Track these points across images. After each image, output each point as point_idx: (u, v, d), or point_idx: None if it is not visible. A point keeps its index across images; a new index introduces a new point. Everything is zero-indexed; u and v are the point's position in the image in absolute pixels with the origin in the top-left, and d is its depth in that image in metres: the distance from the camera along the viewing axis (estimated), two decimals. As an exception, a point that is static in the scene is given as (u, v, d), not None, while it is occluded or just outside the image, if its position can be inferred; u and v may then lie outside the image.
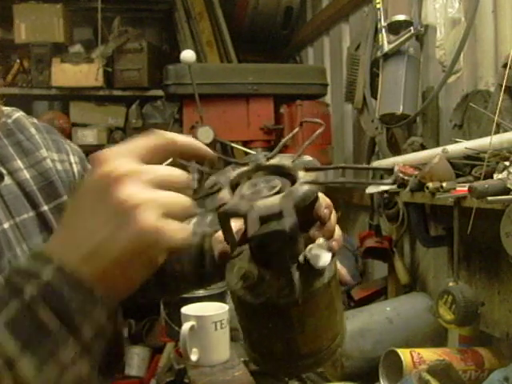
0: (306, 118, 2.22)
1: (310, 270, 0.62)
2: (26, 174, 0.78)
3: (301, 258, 0.61)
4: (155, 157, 0.51)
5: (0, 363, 0.44)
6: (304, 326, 0.67)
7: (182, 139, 0.54)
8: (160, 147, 0.52)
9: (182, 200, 0.50)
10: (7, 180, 0.75)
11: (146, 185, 0.48)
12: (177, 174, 0.51)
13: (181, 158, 0.55)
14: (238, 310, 0.69)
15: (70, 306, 0.46)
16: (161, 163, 0.52)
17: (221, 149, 2.87)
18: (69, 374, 0.46)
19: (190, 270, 0.89)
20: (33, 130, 0.84)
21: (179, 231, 0.48)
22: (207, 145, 0.62)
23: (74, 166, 0.85)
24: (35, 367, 0.45)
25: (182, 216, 0.49)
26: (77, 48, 3.34)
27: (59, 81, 3.21)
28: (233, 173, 0.67)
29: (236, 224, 0.65)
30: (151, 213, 0.46)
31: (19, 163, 0.78)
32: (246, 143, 2.22)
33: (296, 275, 0.62)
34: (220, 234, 0.80)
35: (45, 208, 0.77)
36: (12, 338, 0.45)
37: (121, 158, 0.49)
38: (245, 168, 0.68)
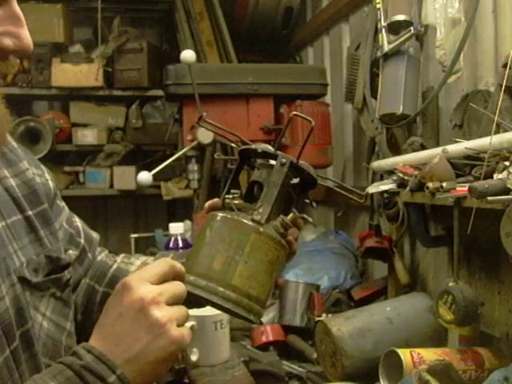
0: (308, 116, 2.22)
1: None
2: (11, 182, 0.85)
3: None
4: (165, 278, 0.74)
5: None
6: (249, 259, 0.78)
7: (179, 265, 0.76)
8: (167, 272, 0.74)
9: (187, 312, 0.74)
10: None
11: (167, 303, 0.71)
12: (180, 288, 0.74)
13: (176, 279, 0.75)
14: (207, 226, 0.81)
15: None
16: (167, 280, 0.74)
17: (221, 149, 2.88)
18: None
19: None
20: (15, 144, 0.90)
21: (189, 335, 0.73)
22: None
23: (50, 182, 0.94)
24: None
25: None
26: (77, 48, 3.35)
27: (59, 81, 3.21)
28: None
29: None
30: (175, 327, 0.70)
31: (5, 172, 0.85)
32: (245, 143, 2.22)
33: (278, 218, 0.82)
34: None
35: (30, 213, 0.85)
36: None
37: (144, 285, 0.71)
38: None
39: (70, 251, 0.95)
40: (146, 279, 0.72)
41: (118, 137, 3.41)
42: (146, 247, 3.41)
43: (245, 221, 0.79)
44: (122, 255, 1.11)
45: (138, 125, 3.36)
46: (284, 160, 0.87)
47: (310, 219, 0.94)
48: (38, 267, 0.82)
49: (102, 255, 1.08)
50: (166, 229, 2.01)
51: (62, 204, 0.99)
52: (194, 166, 2.17)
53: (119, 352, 0.69)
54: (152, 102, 3.43)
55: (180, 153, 2.10)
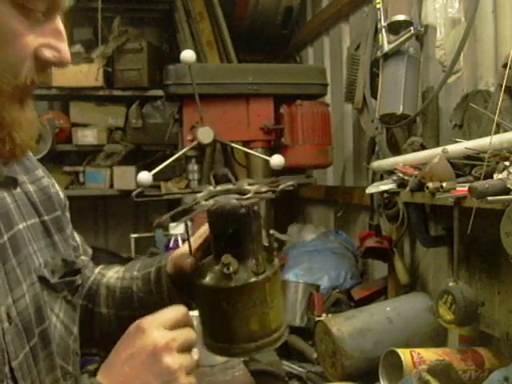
0: (305, 117, 2.22)
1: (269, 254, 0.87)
2: (29, 187, 0.89)
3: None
4: (178, 325, 0.78)
5: None
6: (273, 302, 0.85)
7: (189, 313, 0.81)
8: (181, 319, 0.79)
9: (195, 361, 0.79)
10: (18, 188, 0.85)
11: (178, 350, 0.75)
12: (191, 336, 0.78)
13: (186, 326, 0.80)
14: (215, 302, 0.84)
15: None
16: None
17: (221, 149, 2.88)
18: None
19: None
20: (30, 153, 0.93)
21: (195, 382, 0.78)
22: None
23: (60, 193, 0.98)
24: None
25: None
26: (77, 48, 3.34)
27: (59, 81, 3.21)
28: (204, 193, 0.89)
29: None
30: (184, 376, 0.75)
31: (24, 177, 0.89)
32: (246, 143, 2.22)
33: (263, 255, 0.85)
34: (178, 253, 1.00)
35: (46, 218, 0.89)
36: None
37: (158, 330, 0.75)
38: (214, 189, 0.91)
39: (83, 257, 1.00)
40: (161, 324, 0.76)
41: (118, 137, 3.41)
42: (146, 247, 3.41)
43: (254, 279, 0.83)
44: (100, 266, 1.13)
45: (138, 125, 3.36)
46: (248, 208, 0.85)
47: (284, 237, 1.00)
48: (55, 269, 0.86)
49: (86, 272, 1.09)
50: (166, 229, 2.01)
51: (69, 216, 1.02)
52: (193, 166, 2.17)
53: None
54: (152, 102, 3.43)
55: (180, 153, 2.10)
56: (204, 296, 0.85)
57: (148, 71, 3.26)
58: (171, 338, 0.75)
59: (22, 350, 0.74)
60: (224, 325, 0.84)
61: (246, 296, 0.82)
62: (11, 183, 0.82)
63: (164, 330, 0.76)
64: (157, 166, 2.05)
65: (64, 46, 0.72)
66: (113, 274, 1.09)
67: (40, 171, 0.94)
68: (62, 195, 0.98)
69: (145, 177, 1.94)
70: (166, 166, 2.05)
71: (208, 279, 0.84)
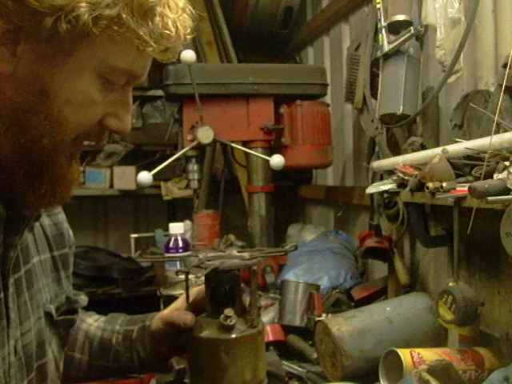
0: (305, 117, 2.22)
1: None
2: (45, 221, 0.92)
3: None
4: None
5: None
6: (263, 352, 0.95)
7: None
8: None
9: None
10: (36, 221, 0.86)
11: None
12: None
13: None
14: (214, 354, 0.90)
15: None
16: None
17: (221, 149, 2.88)
18: None
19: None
20: None
21: None
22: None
23: (70, 232, 1.00)
24: None
25: None
26: (77, 48, 3.34)
27: (59, 81, 3.21)
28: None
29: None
30: None
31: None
32: (245, 143, 2.22)
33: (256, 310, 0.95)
34: (169, 312, 1.05)
35: (55, 253, 0.92)
36: None
37: None
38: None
39: (83, 296, 1.02)
40: None
41: (118, 137, 3.41)
42: (146, 247, 3.41)
43: (252, 331, 0.92)
44: (80, 312, 1.13)
45: (138, 125, 3.36)
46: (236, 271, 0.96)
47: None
48: (59, 306, 0.89)
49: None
50: (166, 229, 2.01)
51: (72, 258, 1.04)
52: (194, 166, 2.17)
53: None
54: (152, 102, 3.43)
55: (180, 153, 2.10)
56: (203, 348, 0.92)
57: (148, 71, 3.26)
58: None
59: (21, 383, 0.76)
60: (221, 375, 0.90)
61: (244, 347, 0.91)
62: (35, 219, 0.84)
63: None
64: (157, 166, 2.05)
65: (127, 118, 0.76)
66: (93, 322, 1.12)
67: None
68: (71, 233, 1.00)
69: (145, 177, 1.95)
70: (166, 165, 2.05)
71: (208, 332, 0.92)
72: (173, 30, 0.70)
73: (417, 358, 1.24)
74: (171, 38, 0.70)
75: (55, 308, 0.87)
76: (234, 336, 0.91)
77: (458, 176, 1.28)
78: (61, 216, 0.97)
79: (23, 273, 0.79)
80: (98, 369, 1.08)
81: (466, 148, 1.24)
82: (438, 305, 1.24)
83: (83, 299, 1.03)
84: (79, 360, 1.07)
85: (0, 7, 0.62)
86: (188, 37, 0.74)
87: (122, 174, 3.36)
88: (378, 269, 2.10)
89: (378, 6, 1.71)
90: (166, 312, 1.06)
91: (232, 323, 0.90)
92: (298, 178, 2.99)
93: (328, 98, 2.57)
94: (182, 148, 2.13)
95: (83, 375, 1.08)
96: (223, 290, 0.95)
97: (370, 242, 1.79)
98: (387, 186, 1.56)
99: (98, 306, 1.20)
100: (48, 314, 0.84)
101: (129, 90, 0.76)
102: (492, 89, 1.39)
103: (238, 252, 1.02)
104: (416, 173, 1.39)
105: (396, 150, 1.77)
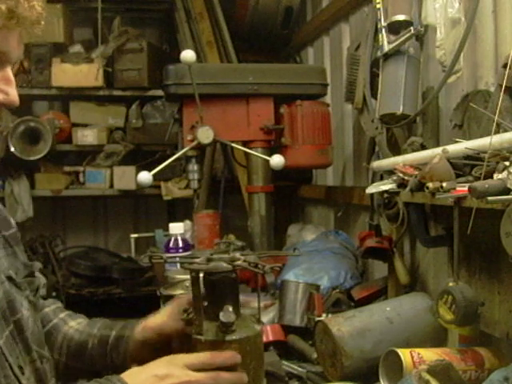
0: (305, 117, 2.22)
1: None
2: None
3: None
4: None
5: None
6: (262, 353, 0.97)
7: (220, 361, 0.89)
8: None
9: None
10: None
11: None
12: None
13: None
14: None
15: None
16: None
17: (221, 149, 2.88)
18: None
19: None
20: None
21: None
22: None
23: (10, 218, 1.07)
24: None
25: None
26: (77, 48, 3.34)
27: (59, 81, 3.21)
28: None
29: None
30: None
31: None
32: (245, 143, 2.22)
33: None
34: (158, 320, 1.08)
35: (5, 233, 1.01)
36: None
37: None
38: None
39: (36, 262, 1.10)
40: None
41: (118, 137, 3.41)
42: (146, 247, 3.41)
43: (253, 332, 0.95)
44: (65, 312, 1.19)
45: (138, 125, 3.36)
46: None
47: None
48: (18, 271, 0.98)
49: (51, 307, 1.17)
50: (166, 229, 2.01)
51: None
52: (194, 166, 2.17)
53: None
54: (152, 102, 3.43)
55: (180, 153, 2.10)
56: (203, 350, 0.92)
57: (148, 71, 3.26)
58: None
59: (3, 333, 0.86)
60: None
61: (245, 349, 0.91)
62: None
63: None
64: (157, 166, 2.05)
65: (12, 91, 0.90)
66: (74, 325, 1.15)
67: None
68: (12, 220, 1.08)
69: (145, 177, 1.95)
70: (166, 165, 2.05)
71: (209, 334, 0.92)
72: (26, 5, 0.79)
73: (417, 357, 1.24)
74: (29, 13, 0.79)
75: (14, 273, 0.96)
76: (234, 337, 0.91)
77: (458, 176, 1.28)
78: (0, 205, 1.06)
79: None
80: (75, 370, 1.11)
81: (466, 148, 1.24)
82: (438, 305, 1.24)
83: (37, 264, 1.11)
84: (57, 361, 1.10)
85: None
86: (43, 11, 0.83)
87: (122, 173, 3.36)
88: (378, 269, 2.10)
89: (377, 6, 1.71)
90: (152, 321, 1.08)
91: (232, 320, 0.90)
92: (298, 178, 2.99)
93: (328, 98, 2.57)
94: (182, 148, 2.12)
95: (62, 375, 1.12)
96: (219, 292, 0.96)
97: (370, 242, 1.79)
98: (387, 185, 1.56)
99: (98, 305, 1.21)
100: (9, 278, 0.93)
101: (7, 68, 0.91)
102: (492, 89, 1.39)
103: (243, 255, 1.03)
104: (416, 173, 1.39)
105: (396, 149, 1.77)
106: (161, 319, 1.07)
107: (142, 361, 1.04)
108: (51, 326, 1.13)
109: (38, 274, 1.14)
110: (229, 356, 0.90)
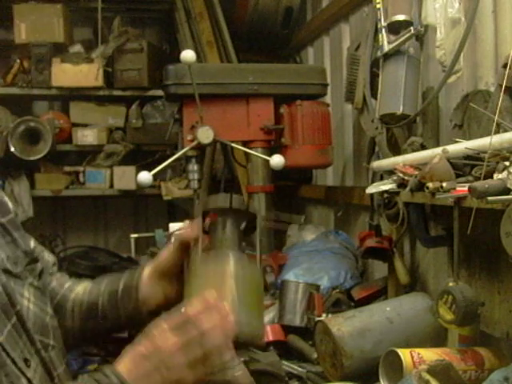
0: (305, 117, 2.22)
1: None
2: None
3: None
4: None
5: None
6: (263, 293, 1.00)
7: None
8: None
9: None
10: None
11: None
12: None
13: None
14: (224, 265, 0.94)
15: None
16: None
17: (221, 149, 2.88)
18: None
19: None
20: None
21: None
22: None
23: (8, 202, 1.06)
24: None
25: None
26: (77, 48, 3.34)
27: (59, 81, 3.21)
28: None
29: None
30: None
31: None
32: (245, 143, 2.22)
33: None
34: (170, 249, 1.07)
35: (3, 220, 0.99)
36: None
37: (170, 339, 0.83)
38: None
39: (38, 248, 1.10)
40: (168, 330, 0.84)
41: (118, 137, 3.41)
42: (146, 247, 3.41)
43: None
44: (70, 281, 1.19)
45: (138, 125, 3.36)
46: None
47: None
48: (17, 260, 0.96)
49: (54, 283, 1.16)
50: (166, 229, 2.01)
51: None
52: (194, 166, 2.17)
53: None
54: (152, 102, 3.43)
55: (180, 153, 2.10)
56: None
57: (148, 71, 3.26)
58: (178, 343, 0.83)
59: (4, 328, 0.85)
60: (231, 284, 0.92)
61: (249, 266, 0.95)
62: None
63: (169, 332, 0.83)
64: (157, 166, 2.05)
65: None
66: (80, 289, 1.15)
67: None
68: (9, 201, 1.07)
69: (145, 177, 1.95)
70: (166, 165, 2.05)
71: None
72: None
73: (417, 357, 1.24)
74: None
75: (13, 263, 0.95)
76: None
77: (458, 176, 1.28)
78: None
79: None
80: (90, 332, 1.11)
81: (466, 148, 1.24)
82: (438, 305, 1.24)
83: (47, 258, 1.12)
84: (71, 327, 1.10)
85: None
86: None
87: (122, 173, 3.36)
88: (378, 269, 2.10)
89: (377, 5, 1.71)
90: (160, 259, 1.08)
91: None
92: (298, 178, 2.99)
93: (328, 98, 2.57)
94: (182, 148, 2.12)
95: (79, 342, 1.13)
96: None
97: (370, 242, 1.79)
98: (387, 186, 1.56)
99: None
100: (5, 271, 0.92)
101: None
102: (492, 89, 1.39)
103: None
104: (416, 173, 1.39)
105: (396, 149, 1.77)
106: (165, 257, 1.07)
107: (155, 304, 1.06)
108: (59, 299, 1.12)
109: (46, 253, 1.15)
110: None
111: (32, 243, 1.09)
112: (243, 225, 1.06)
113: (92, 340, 1.17)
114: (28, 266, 0.99)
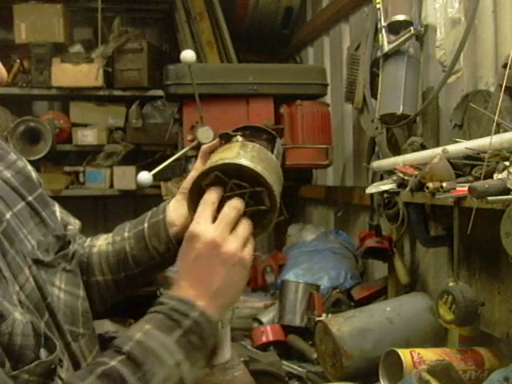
0: (305, 117, 2.22)
1: None
2: (7, 174, 0.92)
3: None
4: (217, 208, 0.85)
5: (173, 363, 0.78)
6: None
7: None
8: (216, 202, 0.86)
9: (247, 225, 0.86)
10: None
11: (228, 232, 0.83)
12: (234, 208, 0.85)
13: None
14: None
15: (207, 334, 0.81)
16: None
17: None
18: (199, 370, 0.83)
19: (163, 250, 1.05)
20: None
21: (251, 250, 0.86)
22: None
23: (33, 173, 1.00)
24: (188, 368, 0.79)
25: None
26: (77, 48, 3.34)
27: (59, 81, 3.21)
28: None
29: None
30: (243, 251, 0.83)
31: None
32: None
33: None
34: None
35: (30, 198, 0.92)
36: (179, 351, 0.78)
37: (207, 229, 0.83)
38: None
39: (70, 226, 1.04)
40: (206, 220, 0.84)
41: (118, 137, 3.41)
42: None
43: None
44: (89, 239, 1.15)
45: (138, 125, 3.36)
46: None
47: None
48: (49, 247, 0.90)
49: (76, 246, 1.09)
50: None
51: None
52: (193, 166, 2.16)
53: (202, 294, 0.81)
54: (152, 102, 3.43)
55: (180, 153, 2.10)
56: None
57: (148, 71, 3.26)
58: (219, 231, 0.82)
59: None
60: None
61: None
62: None
63: (210, 225, 0.83)
64: (157, 165, 2.05)
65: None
66: (103, 242, 1.11)
67: (13, 155, 0.96)
68: (36, 174, 1.02)
69: (145, 177, 1.95)
70: (166, 165, 2.05)
71: None
72: None
73: (417, 357, 1.24)
74: None
75: (44, 250, 0.89)
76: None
77: (458, 176, 1.28)
78: (20, 163, 0.96)
79: (0, 234, 0.81)
80: (125, 281, 1.06)
81: (466, 148, 1.24)
82: (438, 305, 1.24)
83: (73, 225, 1.07)
84: (104, 281, 1.06)
85: None
86: None
87: (122, 174, 3.36)
88: (378, 269, 2.10)
89: (377, 5, 1.71)
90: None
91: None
92: (298, 178, 2.98)
93: (328, 98, 2.57)
94: (182, 148, 2.13)
95: (114, 293, 1.08)
96: None
97: (370, 242, 1.79)
98: (387, 185, 1.56)
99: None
100: (36, 261, 0.86)
101: None
102: (492, 89, 1.39)
103: None
104: (416, 173, 1.39)
105: (396, 149, 1.77)
106: (192, 175, 1.07)
107: (181, 225, 1.04)
108: (81, 256, 1.07)
109: (72, 219, 1.09)
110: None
111: (58, 211, 1.04)
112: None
113: (131, 290, 1.10)
114: (60, 252, 0.93)
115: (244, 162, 0.86)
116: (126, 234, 1.08)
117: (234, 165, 0.86)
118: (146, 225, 1.07)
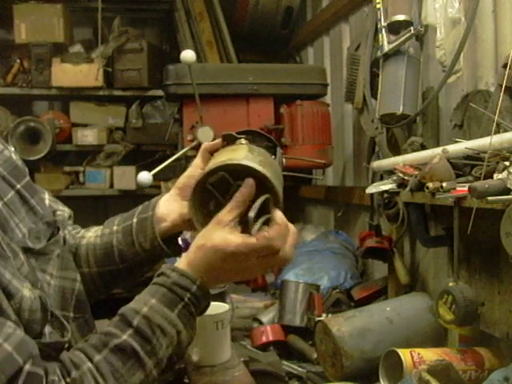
0: (305, 117, 2.22)
1: None
2: None
3: None
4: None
5: (174, 333, 0.84)
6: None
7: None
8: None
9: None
10: None
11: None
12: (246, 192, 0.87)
13: None
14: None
15: (203, 304, 0.88)
16: None
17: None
18: (193, 331, 0.89)
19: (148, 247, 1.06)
20: None
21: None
22: None
23: (19, 161, 1.00)
24: (186, 333, 0.86)
25: None
26: (77, 48, 3.35)
27: (59, 81, 3.21)
28: None
29: None
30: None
31: None
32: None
33: None
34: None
35: (18, 186, 0.93)
36: (180, 322, 0.85)
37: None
38: None
39: (58, 212, 1.05)
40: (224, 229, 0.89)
41: (118, 137, 3.41)
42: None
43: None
44: (82, 230, 1.15)
45: (138, 125, 3.36)
46: None
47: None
48: (40, 235, 0.92)
49: (67, 236, 1.10)
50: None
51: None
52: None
53: (208, 277, 0.87)
54: (152, 102, 3.43)
55: (180, 153, 2.10)
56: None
57: (148, 71, 3.26)
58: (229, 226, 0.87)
59: None
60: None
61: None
62: None
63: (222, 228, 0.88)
64: (157, 165, 2.05)
65: None
66: (92, 234, 1.11)
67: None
68: (21, 162, 1.01)
69: (145, 177, 1.95)
70: (166, 165, 2.05)
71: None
72: None
73: (417, 357, 1.24)
74: None
75: (36, 238, 0.90)
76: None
77: (458, 176, 1.28)
78: (7, 152, 0.97)
79: None
80: (109, 274, 1.08)
81: (466, 148, 1.24)
82: (438, 305, 1.24)
83: (62, 212, 1.07)
84: (89, 273, 1.07)
85: None
86: None
87: (122, 174, 3.36)
88: (378, 269, 2.10)
89: (377, 5, 1.71)
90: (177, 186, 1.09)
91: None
92: (298, 178, 2.98)
93: (328, 98, 2.57)
94: (182, 148, 2.13)
95: (100, 285, 1.09)
96: None
97: (370, 242, 1.79)
98: (387, 185, 1.56)
99: (98, 305, 1.20)
100: (25, 249, 0.87)
101: None
102: (492, 89, 1.39)
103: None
104: (416, 173, 1.39)
105: (396, 149, 1.77)
106: (189, 171, 1.08)
107: (170, 221, 1.04)
108: (72, 251, 1.07)
109: (61, 206, 1.10)
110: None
111: (47, 199, 1.05)
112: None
113: (116, 285, 1.14)
114: (52, 239, 0.94)
115: (255, 165, 0.86)
116: (115, 228, 1.09)
117: (244, 167, 0.86)
118: (134, 220, 1.08)
